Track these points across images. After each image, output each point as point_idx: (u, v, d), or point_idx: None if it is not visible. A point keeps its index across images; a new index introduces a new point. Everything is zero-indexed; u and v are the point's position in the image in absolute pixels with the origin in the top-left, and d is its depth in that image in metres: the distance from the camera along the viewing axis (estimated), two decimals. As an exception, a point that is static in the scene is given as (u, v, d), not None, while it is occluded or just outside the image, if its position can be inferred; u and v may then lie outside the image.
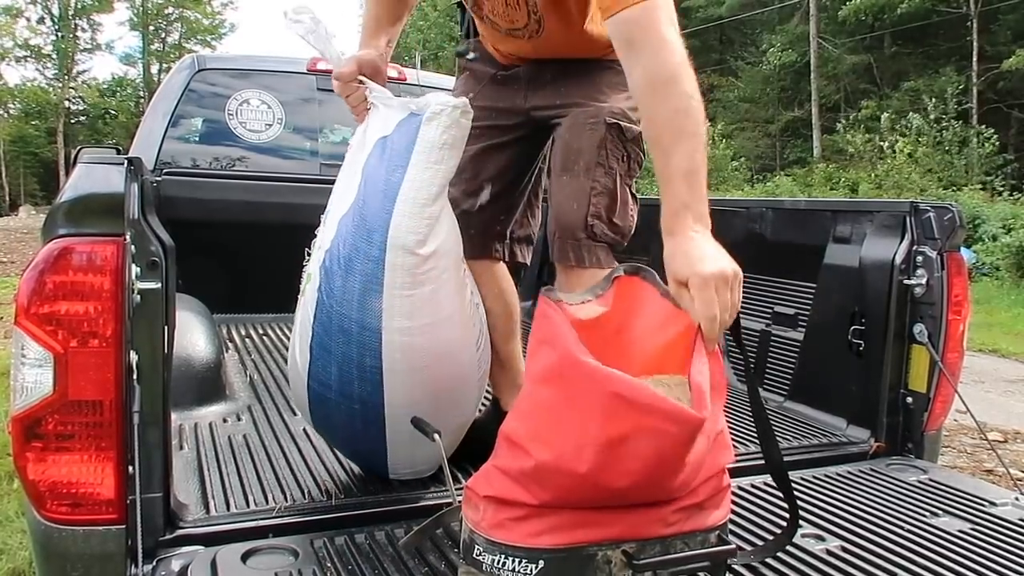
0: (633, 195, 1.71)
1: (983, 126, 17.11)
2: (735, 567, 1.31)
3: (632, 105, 1.70)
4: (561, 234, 1.64)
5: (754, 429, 1.48)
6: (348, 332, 1.42)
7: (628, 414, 1.05)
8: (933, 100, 17.06)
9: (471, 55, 1.84)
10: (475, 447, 1.55)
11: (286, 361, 2.51)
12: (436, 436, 1.36)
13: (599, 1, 1.37)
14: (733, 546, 1.27)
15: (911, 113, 17.13)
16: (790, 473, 1.75)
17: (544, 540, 1.10)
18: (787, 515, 1.52)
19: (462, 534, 1.20)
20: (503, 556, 1.10)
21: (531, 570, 1.10)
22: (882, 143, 16.88)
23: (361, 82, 1.56)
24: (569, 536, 1.11)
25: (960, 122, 16.68)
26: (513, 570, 1.10)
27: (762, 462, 1.39)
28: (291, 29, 1.55)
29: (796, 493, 1.64)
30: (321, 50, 1.56)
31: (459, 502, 1.26)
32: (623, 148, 1.65)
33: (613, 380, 1.07)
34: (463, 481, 1.61)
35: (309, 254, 1.55)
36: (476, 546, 1.13)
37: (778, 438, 1.94)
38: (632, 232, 1.72)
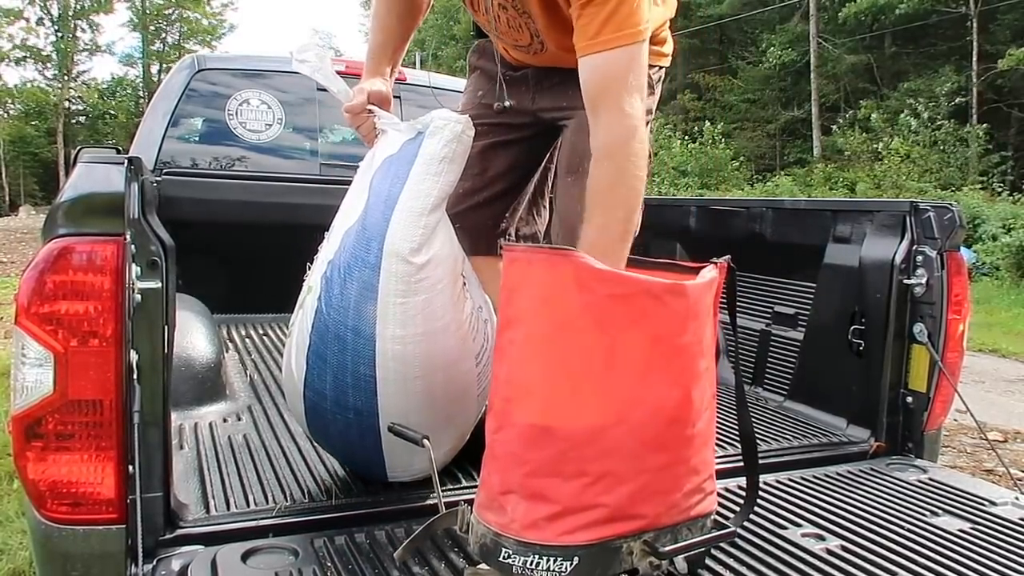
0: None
1: (981, 125, 17.10)
2: (738, 565, 1.31)
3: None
4: (566, 234, 1.65)
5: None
6: (343, 340, 1.42)
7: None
8: (923, 100, 17.05)
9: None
10: (481, 448, 1.55)
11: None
12: (425, 441, 1.36)
13: (576, 37, 1.43)
14: (732, 529, 1.33)
15: (904, 113, 17.12)
16: (789, 473, 1.77)
17: (579, 537, 1.12)
18: (786, 513, 1.54)
19: (476, 538, 1.19)
20: (536, 556, 1.12)
21: (566, 568, 1.11)
22: (877, 144, 16.89)
23: (371, 111, 1.60)
24: (602, 531, 1.13)
25: (950, 121, 16.66)
26: (548, 569, 1.11)
27: (760, 461, 1.40)
28: (298, 69, 1.60)
29: (797, 492, 1.66)
30: (328, 86, 1.60)
31: (446, 507, 1.26)
32: None
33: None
34: (463, 483, 1.62)
35: (309, 268, 1.56)
36: (504, 549, 1.13)
37: (778, 438, 1.96)
38: (637, 232, 1.72)
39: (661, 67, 1.83)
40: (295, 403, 1.57)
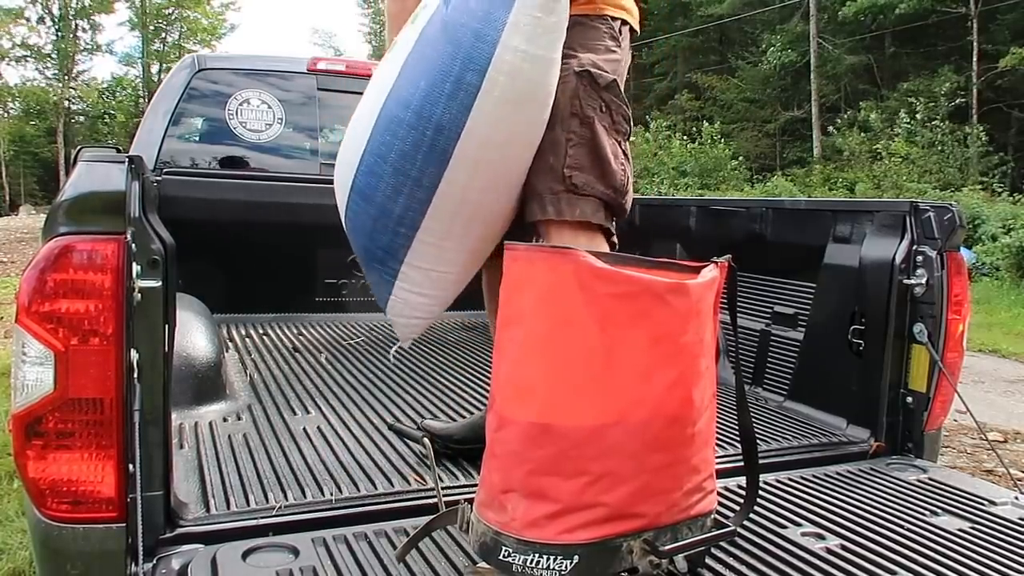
0: (625, 153, 1.61)
1: (980, 125, 17.09)
2: (738, 565, 1.32)
3: (604, 58, 1.60)
4: (537, 190, 1.53)
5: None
6: (458, 43, 1.34)
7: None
8: (922, 100, 17.04)
9: None
10: (479, 447, 1.55)
11: (286, 361, 2.52)
12: (425, 440, 1.37)
13: None
14: (732, 528, 1.33)
15: (902, 112, 17.10)
16: (789, 473, 1.77)
17: (579, 535, 1.12)
18: (786, 512, 1.54)
19: (476, 537, 1.20)
20: (536, 555, 1.12)
21: (566, 566, 1.11)
22: (875, 146, 16.88)
23: None
24: (602, 530, 1.13)
25: (946, 122, 16.64)
26: (548, 568, 1.11)
27: (760, 461, 1.40)
28: None
29: (797, 492, 1.66)
30: None
31: (446, 505, 1.26)
32: (598, 96, 1.55)
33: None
34: (463, 481, 1.62)
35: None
36: (504, 547, 1.14)
37: (778, 438, 1.96)
38: (629, 189, 1.60)
39: (623, 20, 1.68)
40: (356, 143, 1.49)
